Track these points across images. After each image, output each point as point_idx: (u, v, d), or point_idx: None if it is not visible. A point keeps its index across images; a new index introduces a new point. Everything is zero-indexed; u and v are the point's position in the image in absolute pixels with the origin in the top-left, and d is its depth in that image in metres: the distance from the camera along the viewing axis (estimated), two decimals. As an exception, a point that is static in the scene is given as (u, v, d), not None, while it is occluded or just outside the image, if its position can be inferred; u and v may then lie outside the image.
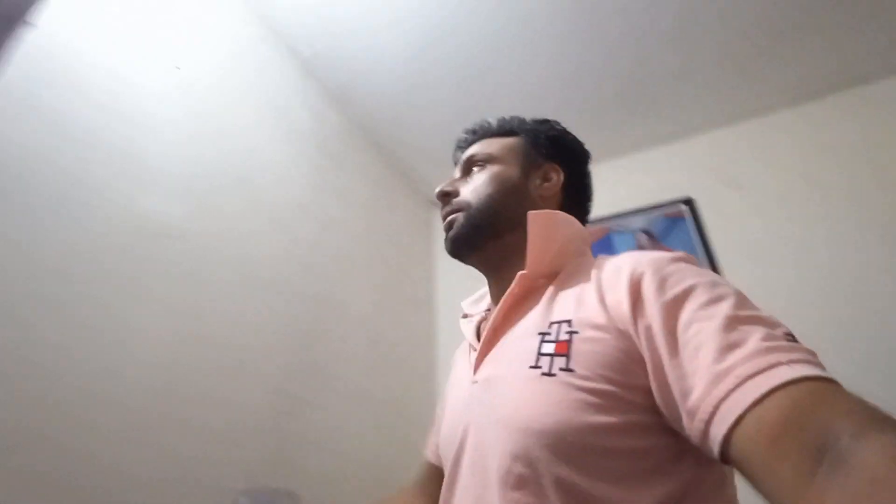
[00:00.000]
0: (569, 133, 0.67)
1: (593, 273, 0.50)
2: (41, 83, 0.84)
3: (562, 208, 0.61)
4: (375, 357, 1.52)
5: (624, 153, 1.96)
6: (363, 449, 1.33)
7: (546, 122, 0.67)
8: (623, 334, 0.42)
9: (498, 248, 0.59)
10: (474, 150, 0.64)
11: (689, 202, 1.73)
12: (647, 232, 1.76)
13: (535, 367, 0.44)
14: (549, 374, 0.42)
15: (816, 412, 0.29)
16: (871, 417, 0.27)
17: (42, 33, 0.85)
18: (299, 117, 1.50)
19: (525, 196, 0.60)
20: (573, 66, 1.55)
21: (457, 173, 0.66)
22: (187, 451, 0.88)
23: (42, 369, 0.71)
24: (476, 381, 0.51)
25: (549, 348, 0.45)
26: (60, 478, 0.70)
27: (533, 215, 0.55)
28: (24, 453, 0.67)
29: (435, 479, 0.67)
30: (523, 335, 0.49)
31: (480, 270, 0.64)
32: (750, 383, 0.32)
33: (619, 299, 0.44)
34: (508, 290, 0.53)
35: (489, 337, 0.53)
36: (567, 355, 0.43)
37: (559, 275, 0.54)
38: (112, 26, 0.98)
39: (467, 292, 0.74)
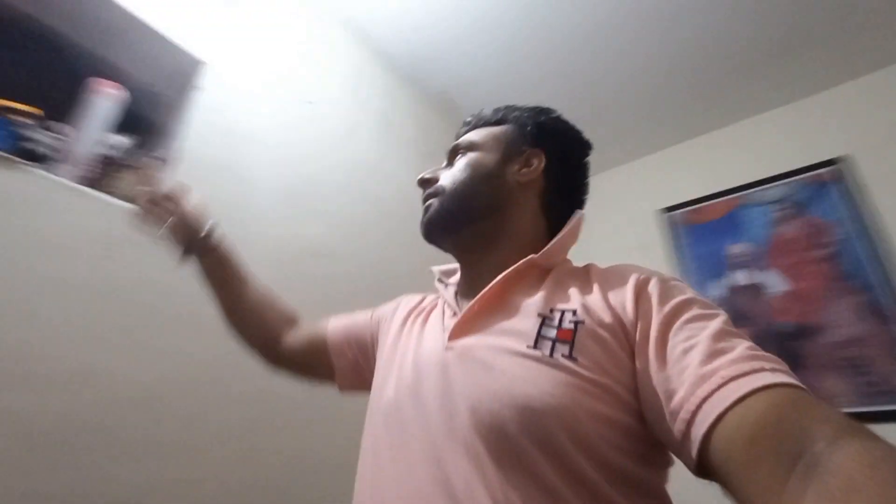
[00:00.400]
0: (562, 121, 0.65)
1: (593, 277, 0.51)
2: (213, 136, 1.01)
3: (542, 195, 0.60)
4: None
5: (754, 113, 1.74)
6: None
7: (540, 109, 0.65)
8: (627, 334, 0.43)
9: (473, 233, 0.59)
10: (461, 139, 0.64)
11: (838, 162, 1.50)
12: (786, 202, 1.57)
13: (535, 347, 0.44)
14: (551, 358, 0.42)
15: (794, 416, 0.29)
16: (847, 425, 0.27)
17: (207, 95, 1.02)
18: (408, 130, 1.59)
19: (501, 182, 0.59)
20: (691, 32, 1.43)
21: (444, 162, 0.65)
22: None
23: (225, 374, 0.88)
24: (451, 349, 0.49)
25: (550, 333, 0.45)
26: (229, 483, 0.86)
27: (581, 214, 0.60)
28: (183, 461, 0.84)
29: (313, 342, 0.69)
30: (519, 314, 0.49)
31: (454, 255, 0.63)
32: (732, 384, 0.33)
33: (624, 301, 0.45)
34: (513, 268, 0.53)
35: (475, 308, 0.52)
36: (571, 343, 0.43)
37: (552, 272, 0.54)
38: (255, 79, 1.14)
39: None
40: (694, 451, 0.34)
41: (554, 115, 0.65)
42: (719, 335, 0.38)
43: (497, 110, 0.66)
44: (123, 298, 0.76)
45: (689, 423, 0.34)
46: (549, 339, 0.44)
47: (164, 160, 0.92)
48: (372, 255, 1.28)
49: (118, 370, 0.73)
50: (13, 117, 0.74)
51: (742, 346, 0.36)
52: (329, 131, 1.29)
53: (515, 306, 0.50)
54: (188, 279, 0.83)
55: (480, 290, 0.53)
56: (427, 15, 1.42)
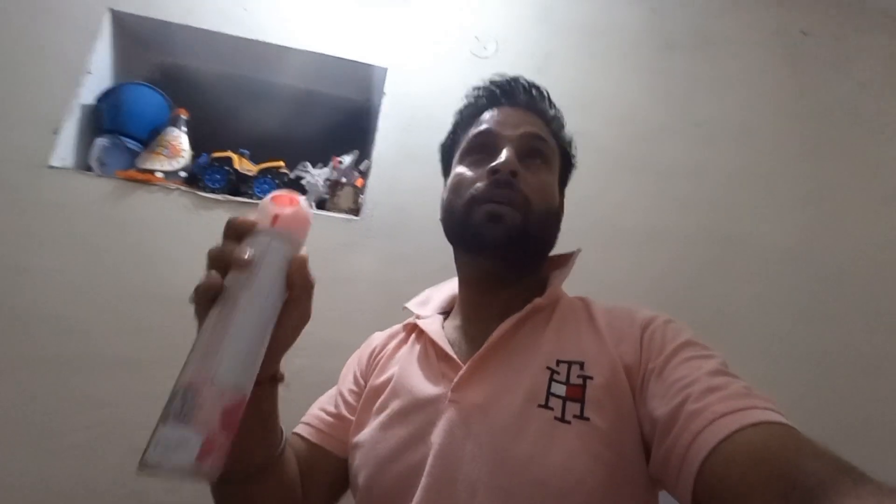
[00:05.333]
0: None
1: (597, 318, 0.50)
2: (399, 128, 1.15)
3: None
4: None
5: None
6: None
7: (561, 120, 0.61)
8: (631, 379, 0.44)
9: (523, 269, 0.55)
10: (538, 130, 0.56)
11: None
12: None
13: (546, 407, 0.43)
14: (564, 421, 0.42)
15: (786, 454, 0.30)
16: (839, 464, 0.28)
17: (391, 95, 1.15)
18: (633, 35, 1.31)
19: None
20: None
21: (510, 149, 0.52)
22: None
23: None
24: (457, 402, 0.46)
25: (559, 390, 0.44)
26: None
27: (579, 252, 0.57)
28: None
29: (306, 458, 0.53)
30: (527, 367, 0.47)
31: (484, 279, 0.55)
32: (725, 420, 0.33)
33: (630, 346, 0.46)
34: (521, 314, 0.50)
35: (483, 355, 0.48)
36: (581, 402, 0.42)
37: (555, 309, 0.53)
38: (432, 68, 1.20)
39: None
40: (689, 488, 0.34)
41: (570, 136, 0.62)
42: (714, 374, 0.38)
43: (556, 119, 0.60)
44: (352, 285, 1.01)
45: (683, 458, 0.35)
46: (560, 396, 0.44)
47: (368, 165, 1.12)
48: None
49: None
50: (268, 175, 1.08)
51: (736, 385, 0.37)
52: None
53: (522, 356, 0.48)
54: (388, 266, 1.01)
55: (481, 330, 0.51)
56: None
